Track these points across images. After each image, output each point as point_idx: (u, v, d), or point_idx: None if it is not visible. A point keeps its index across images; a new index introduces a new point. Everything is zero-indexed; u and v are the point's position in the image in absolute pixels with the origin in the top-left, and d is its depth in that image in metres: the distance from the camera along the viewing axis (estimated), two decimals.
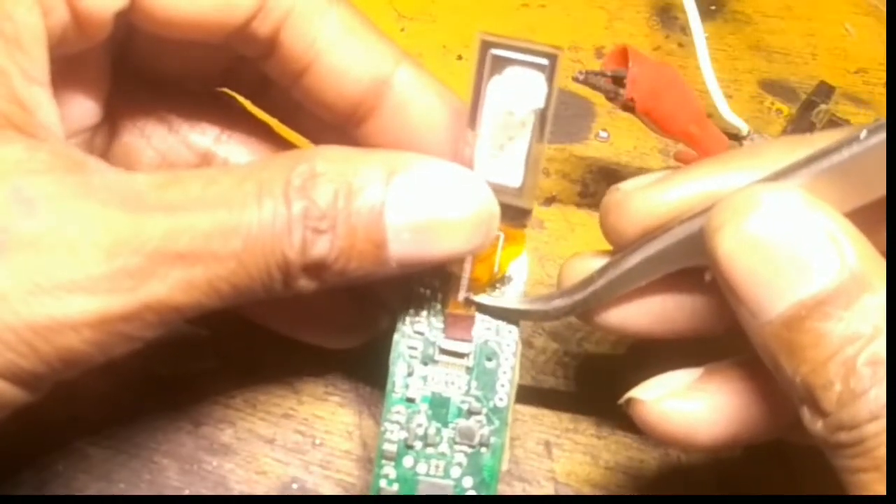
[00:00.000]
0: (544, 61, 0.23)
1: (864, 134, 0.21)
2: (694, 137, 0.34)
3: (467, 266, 0.26)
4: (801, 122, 0.38)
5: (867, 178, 0.21)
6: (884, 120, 0.21)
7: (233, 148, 0.29)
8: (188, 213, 0.20)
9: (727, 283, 0.21)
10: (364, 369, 0.31)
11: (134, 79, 0.27)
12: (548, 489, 0.31)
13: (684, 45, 0.42)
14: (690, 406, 0.24)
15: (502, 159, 0.24)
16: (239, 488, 0.30)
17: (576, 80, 0.32)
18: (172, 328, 0.30)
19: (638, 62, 0.32)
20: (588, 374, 0.33)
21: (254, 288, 0.21)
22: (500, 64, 0.23)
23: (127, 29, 0.24)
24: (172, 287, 0.20)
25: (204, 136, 0.28)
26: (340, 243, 0.22)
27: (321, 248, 0.22)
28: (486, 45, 0.23)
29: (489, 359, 0.26)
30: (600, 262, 0.26)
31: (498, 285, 0.26)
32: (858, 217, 0.21)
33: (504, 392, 0.26)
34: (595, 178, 0.38)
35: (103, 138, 0.27)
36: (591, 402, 0.32)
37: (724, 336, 0.25)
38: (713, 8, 0.43)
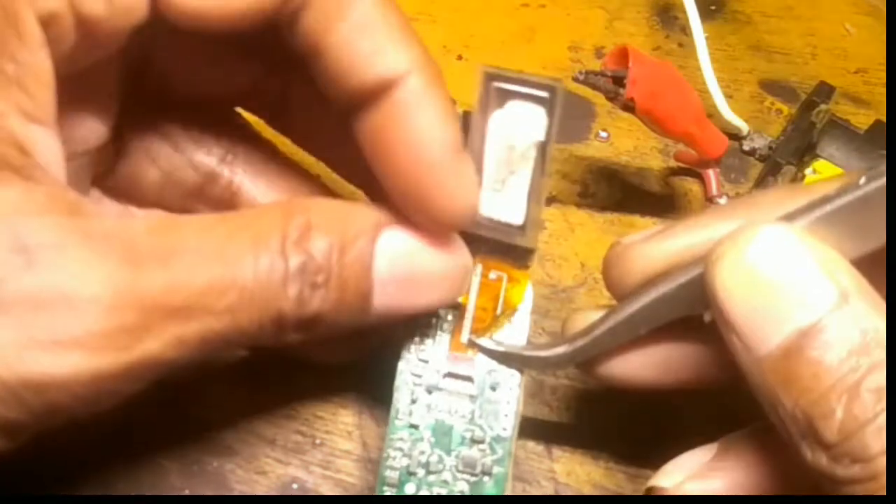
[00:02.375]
0: (544, 94, 0.23)
1: (863, 180, 0.21)
2: (694, 137, 0.34)
3: (470, 307, 0.26)
4: (801, 122, 0.37)
5: (867, 226, 0.21)
6: (883, 167, 0.21)
7: (238, 168, 0.29)
8: (184, 266, 0.20)
9: (725, 317, 0.21)
10: (365, 370, 0.31)
11: (143, 98, 0.26)
12: (548, 489, 0.31)
13: (684, 45, 0.42)
14: (712, 486, 0.25)
15: (504, 195, 0.24)
16: (239, 488, 0.30)
17: (576, 80, 0.32)
18: None
19: (638, 62, 0.32)
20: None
21: (243, 341, 0.21)
22: (502, 97, 0.24)
23: (143, 48, 0.24)
24: (166, 344, 0.20)
25: (209, 156, 0.28)
26: (333, 296, 0.22)
27: (317, 302, 0.22)
28: (488, 78, 0.24)
29: (493, 388, 0.26)
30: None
31: (504, 323, 0.26)
32: (859, 268, 0.21)
33: (508, 422, 0.26)
34: (595, 178, 0.38)
35: (108, 157, 0.27)
36: (591, 401, 0.32)
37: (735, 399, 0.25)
38: (713, 8, 0.43)
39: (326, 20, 0.23)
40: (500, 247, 0.26)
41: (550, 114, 0.23)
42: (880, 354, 0.19)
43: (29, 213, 0.19)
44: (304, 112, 0.28)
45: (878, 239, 0.22)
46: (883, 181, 0.21)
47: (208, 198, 0.29)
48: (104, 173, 0.27)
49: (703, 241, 0.23)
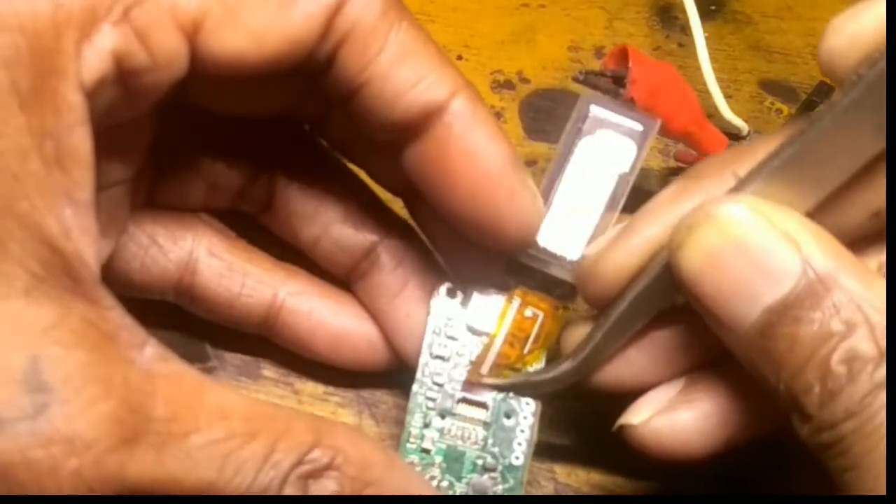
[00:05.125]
0: (639, 127, 0.23)
1: (806, 125, 0.21)
2: (694, 137, 0.34)
3: (497, 343, 0.25)
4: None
5: (823, 168, 0.21)
6: (823, 107, 0.21)
7: (276, 168, 0.28)
8: (180, 463, 0.19)
9: (697, 303, 0.21)
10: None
11: (179, 123, 0.26)
12: (548, 489, 0.31)
13: (684, 45, 0.42)
14: (680, 418, 0.24)
15: (566, 226, 0.24)
16: None
17: (576, 80, 0.32)
18: (172, 328, 0.30)
19: (638, 62, 0.32)
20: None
21: None
22: (595, 125, 0.23)
23: (180, 90, 0.24)
24: None
25: (249, 159, 0.28)
26: None
27: None
28: (586, 102, 0.23)
29: (508, 416, 0.26)
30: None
31: (529, 365, 0.26)
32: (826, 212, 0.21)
33: (521, 451, 0.25)
34: None
35: (148, 179, 0.26)
36: (591, 401, 0.32)
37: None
38: (713, 8, 0.43)
39: (365, 54, 0.22)
40: (543, 280, 0.25)
41: (641, 148, 0.23)
42: (853, 320, 0.19)
43: (57, 342, 0.18)
44: (344, 129, 0.27)
45: (837, 178, 0.21)
46: (827, 120, 0.21)
47: (251, 199, 0.28)
48: (147, 195, 0.27)
49: (664, 229, 0.23)
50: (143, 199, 0.27)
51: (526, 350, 0.25)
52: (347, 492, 0.21)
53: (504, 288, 0.26)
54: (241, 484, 0.20)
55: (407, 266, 0.28)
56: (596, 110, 0.23)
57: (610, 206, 0.24)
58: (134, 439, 0.19)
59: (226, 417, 0.20)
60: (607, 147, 0.24)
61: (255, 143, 0.28)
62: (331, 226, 0.28)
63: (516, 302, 0.25)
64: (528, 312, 0.25)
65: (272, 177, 0.28)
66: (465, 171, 0.23)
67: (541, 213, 0.24)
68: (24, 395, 0.18)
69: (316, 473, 0.21)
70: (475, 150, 0.23)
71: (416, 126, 0.23)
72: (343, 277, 0.29)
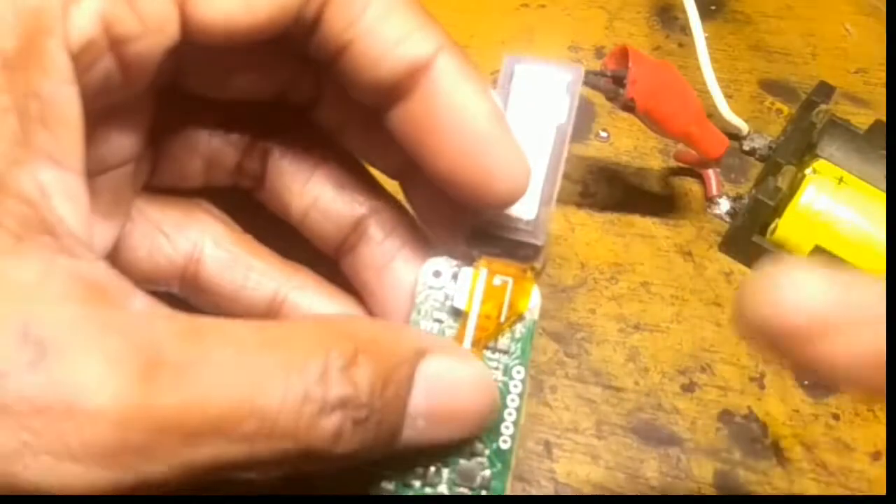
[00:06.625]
0: (567, 76, 0.23)
1: None
2: (694, 137, 0.34)
3: (473, 314, 0.25)
4: (801, 122, 0.37)
5: None
6: None
7: (271, 141, 0.28)
8: (203, 384, 0.18)
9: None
10: None
11: (174, 103, 0.26)
12: (548, 489, 0.31)
13: (684, 45, 0.42)
14: None
15: None
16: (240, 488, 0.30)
17: None
18: None
19: (638, 62, 0.32)
20: (588, 374, 0.33)
21: (261, 470, 0.19)
22: (523, 81, 0.23)
23: (172, 69, 0.23)
24: (171, 468, 0.18)
25: (245, 133, 0.28)
26: (371, 434, 0.20)
27: (357, 439, 0.20)
28: (510, 62, 0.23)
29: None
30: None
31: (508, 330, 0.26)
32: None
33: (508, 434, 0.25)
34: (595, 178, 0.38)
35: (148, 161, 0.26)
36: (591, 401, 0.32)
37: None
38: (713, 8, 0.43)
39: (349, 13, 0.22)
40: (505, 245, 0.25)
41: (572, 96, 0.23)
42: None
43: (44, 299, 0.18)
44: (336, 112, 0.27)
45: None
46: None
47: (247, 174, 0.28)
48: (148, 175, 0.27)
49: None
50: (145, 180, 0.27)
51: (502, 319, 0.25)
52: (381, 372, 0.20)
53: (468, 260, 0.26)
54: (272, 400, 0.19)
55: (395, 239, 0.28)
56: (520, 68, 0.23)
57: (554, 160, 0.24)
58: (147, 373, 0.18)
59: (239, 341, 0.19)
60: (540, 102, 0.24)
61: (249, 120, 0.28)
62: (320, 198, 0.28)
63: (483, 272, 0.25)
64: (497, 280, 0.25)
65: (265, 151, 0.28)
66: (454, 126, 0.23)
67: (528, 169, 0.23)
68: (21, 347, 0.17)
69: (350, 363, 0.20)
70: (463, 106, 0.23)
71: (404, 84, 0.23)
72: (332, 252, 0.29)
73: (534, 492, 0.30)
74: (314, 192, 0.29)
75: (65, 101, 0.19)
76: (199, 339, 0.19)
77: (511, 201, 0.24)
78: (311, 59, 0.24)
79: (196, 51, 0.22)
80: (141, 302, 0.19)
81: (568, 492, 0.31)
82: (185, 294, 0.28)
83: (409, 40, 0.22)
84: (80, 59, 0.19)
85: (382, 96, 0.24)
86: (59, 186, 0.19)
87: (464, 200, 0.24)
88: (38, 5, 0.19)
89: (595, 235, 0.37)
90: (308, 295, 0.28)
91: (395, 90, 0.23)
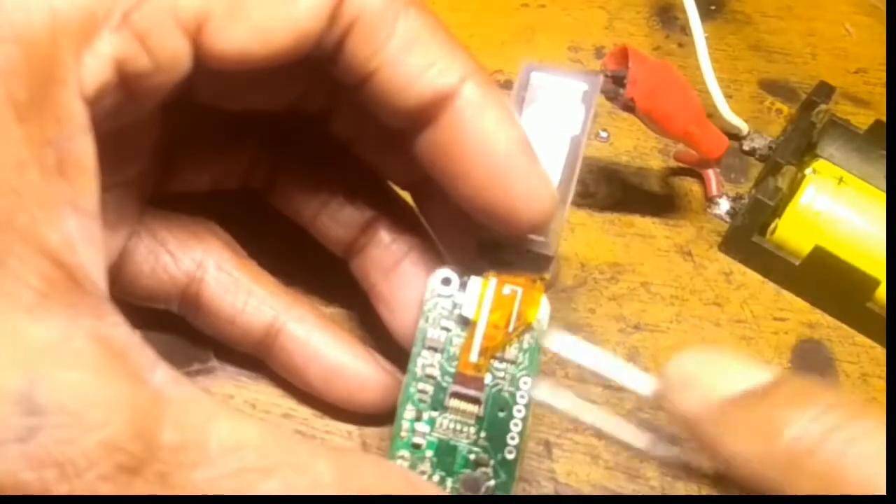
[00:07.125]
0: (584, 86, 0.23)
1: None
2: (694, 137, 0.34)
3: (481, 325, 0.25)
4: (801, 122, 0.37)
5: None
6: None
7: (286, 152, 0.28)
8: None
9: None
10: None
11: (183, 120, 0.26)
12: (548, 489, 0.31)
13: (684, 45, 0.42)
14: None
15: None
16: None
17: None
18: (172, 328, 0.30)
19: (638, 62, 0.32)
20: (588, 374, 0.33)
21: None
22: (539, 91, 0.23)
23: (183, 89, 0.23)
24: None
25: (251, 144, 0.28)
26: None
27: None
28: (527, 69, 0.23)
29: (501, 409, 0.25)
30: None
31: (516, 341, 0.25)
32: None
33: (514, 445, 0.25)
34: (595, 178, 0.38)
35: (155, 171, 0.26)
36: (591, 402, 0.32)
37: None
38: (713, 8, 0.43)
39: (374, 41, 0.22)
40: (516, 255, 0.25)
41: (588, 107, 0.23)
42: None
43: (58, 362, 0.17)
44: (350, 124, 0.27)
45: None
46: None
47: (257, 178, 0.29)
48: (155, 190, 0.27)
49: None
50: (152, 190, 0.27)
51: (511, 328, 0.25)
52: None
53: (480, 271, 0.26)
54: None
55: (403, 243, 0.28)
56: (537, 77, 0.23)
57: (567, 171, 0.24)
58: (135, 467, 0.18)
59: (240, 448, 0.19)
60: (555, 112, 0.24)
61: (260, 128, 0.28)
62: (330, 201, 0.28)
63: (492, 282, 0.25)
64: (506, 290, 0.25)
65: (276, 157, 0.28)
66: (479, 155, 0.23)
67: (554, 197, 0.23)
68: (16, 417, 0.17)
69: None
70: (488, 135, 0.23)
71: (428, 112, 0.23)
72: (341, 253, 0.29)
73: (534, 492, 0.30)
74: (324, 197, 0.29)
75: (81, 149, 0.19)
76: (201, 438, 0.18)
77: (534, 229, 0.24)
78: (329, 77, 0.23)
79: (207, 74, 0.21)
80: (162, 372, 0.19)
81: (568, 492, 0.31)
82: (183, 312, 0.28)
83: (434, 70, 0.22)
84: (94, 103, 0.19)
85: (407, 123, 0.23)
86: (81, 234, 0.19)
87: (486, 224, 0.24)
88: (50, 53, 0.18)
89: (595, 235, 0.37)
90: (306, 327, 0.28)
91: (421, 118, 0.23)
